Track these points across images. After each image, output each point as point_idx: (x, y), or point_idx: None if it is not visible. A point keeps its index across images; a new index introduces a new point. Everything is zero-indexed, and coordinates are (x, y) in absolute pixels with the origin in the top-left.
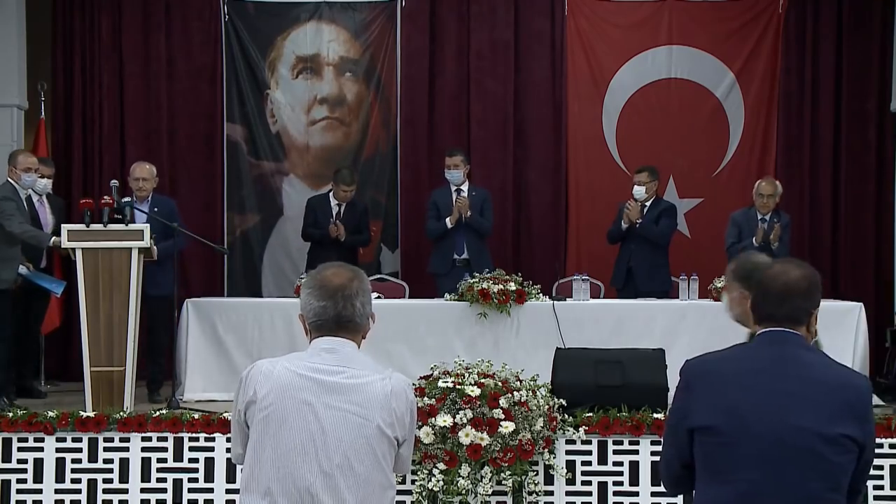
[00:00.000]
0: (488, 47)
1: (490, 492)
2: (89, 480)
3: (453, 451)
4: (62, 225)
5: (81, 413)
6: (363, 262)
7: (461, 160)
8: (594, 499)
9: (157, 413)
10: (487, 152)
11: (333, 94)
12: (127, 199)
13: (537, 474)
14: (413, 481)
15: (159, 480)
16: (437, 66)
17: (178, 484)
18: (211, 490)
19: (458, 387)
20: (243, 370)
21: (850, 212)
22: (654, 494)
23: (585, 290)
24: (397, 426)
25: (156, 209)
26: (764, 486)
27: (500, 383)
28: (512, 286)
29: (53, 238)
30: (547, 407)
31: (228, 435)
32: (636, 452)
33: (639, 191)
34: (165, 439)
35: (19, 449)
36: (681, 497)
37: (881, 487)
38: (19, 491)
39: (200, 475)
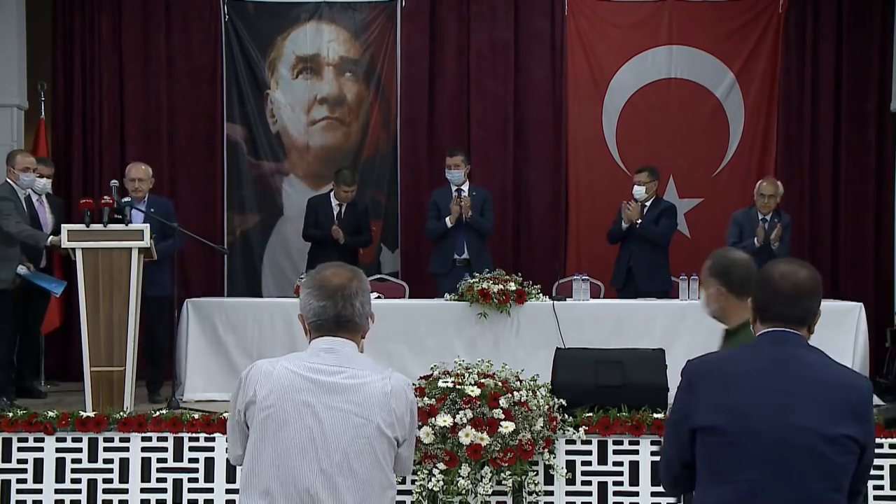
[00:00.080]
0: (488, 47)
1: (490, 492)
2: (89, 480)
3: (453, 451)
4: (62, 225)
5: (81, 413)
6: (363, 262)
7: (462, 160)
8: (594, 499)
9: (157, 413)
10: (487, 152)
11: (333, 94)
12: (127, 199)
13: (537, 474)
14: (413, 481)
15: (159, 480)
16: (437, 66)
17: (178, 484)
18: (211, 490)
19: (458, 387)
20: (243, 370)
21: (850, 212)
22: (654, 494)
23: (585, 290)
24: (397, 426)
25: (152, 210)
26: (766, 487)
27: (500, 383)
28: (512, 286)
29: (51, 238)
30: (547, 407)
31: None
32: (636, 452)
33: (639, 191)
34: (165, 439)
35: (19, 449)
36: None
37: (881, 487)
38: (19, 491)
39: (200, 475)
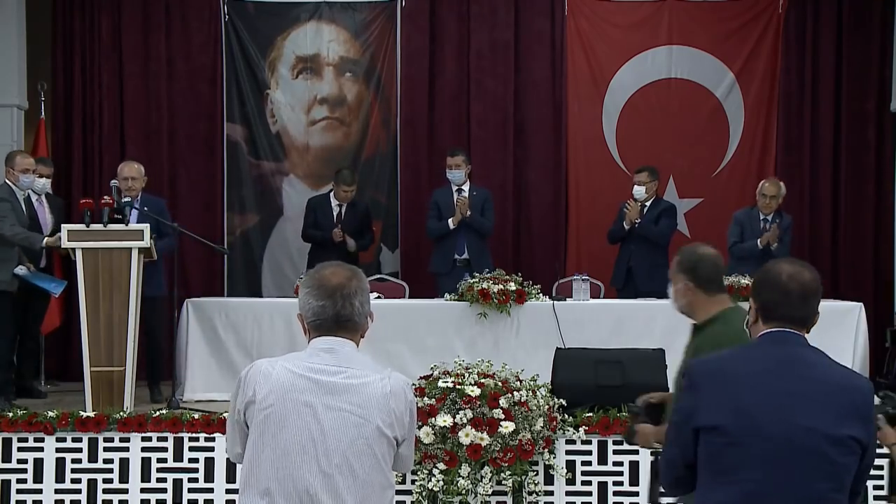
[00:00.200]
0: (488, 47)
1: (490, 492)
2: (89, 480)
3: (453, 451)
4: (62, 225)
5: (81, 413)
6: (363, 262)
7: (463, 160)
8: (594, 499)
9: (157, 413)
10: (487, 152)
11: (333, 94)
12: (127, 199)
13: (537, 474)
14: (413, 481)
15: (159, 480)
16: (437, 66)
17: (178, 484)
18: (211, 490)
19: (458, 387)
20: (242, 370)
21: (850, 212)
22: None
23: (585, 290)
24: (396, 426)
25: (146, 209)
26: (770, 487)
27: (500, 383)
28: (512, 286)
29: (46, 239)
30: (547, 407)
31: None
32: (636, 452)
33: (639, 191)
34: (165, 439)
35: (19, 449)
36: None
37: (881, 487)
38: (19, 491)
39: (200, 475)
